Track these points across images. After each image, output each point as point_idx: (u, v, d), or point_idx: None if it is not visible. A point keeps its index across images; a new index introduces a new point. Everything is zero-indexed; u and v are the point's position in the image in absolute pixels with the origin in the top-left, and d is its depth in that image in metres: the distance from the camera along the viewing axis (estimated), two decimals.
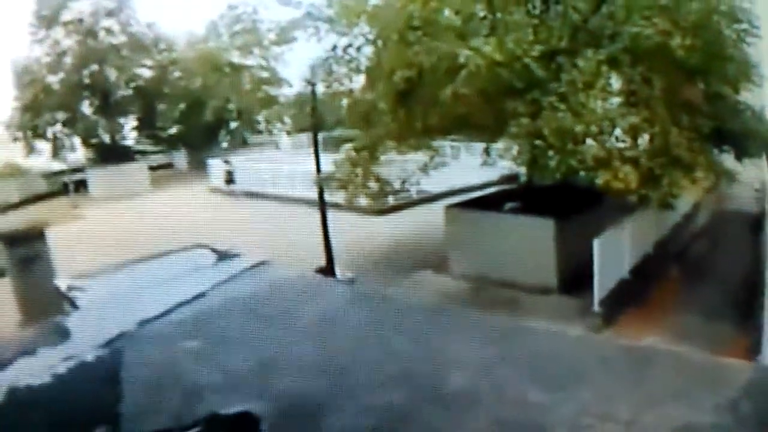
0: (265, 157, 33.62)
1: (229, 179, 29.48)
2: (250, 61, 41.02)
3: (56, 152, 37.26)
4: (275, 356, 2.62)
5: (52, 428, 2.21)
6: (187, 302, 3.24)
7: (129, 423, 2.19)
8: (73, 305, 4.53)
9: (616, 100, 11.01)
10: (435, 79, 11.38)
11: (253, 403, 2.20)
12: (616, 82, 11.05)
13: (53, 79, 35.56)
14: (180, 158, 42.76)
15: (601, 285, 10.99)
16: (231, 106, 40.77)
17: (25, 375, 2.51)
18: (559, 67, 10.86)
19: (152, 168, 37.69)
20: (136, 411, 2.27)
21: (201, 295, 3.34)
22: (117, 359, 2.66)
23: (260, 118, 42.03)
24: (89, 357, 2.67)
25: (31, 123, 35.31)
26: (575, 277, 11.64)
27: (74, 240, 17.50)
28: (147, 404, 2.31)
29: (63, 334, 2.99)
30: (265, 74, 41.01)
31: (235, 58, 40.66)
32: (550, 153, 10.55)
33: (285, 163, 28.71)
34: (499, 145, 13.38)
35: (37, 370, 2.54)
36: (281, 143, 42.78)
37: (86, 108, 37.43)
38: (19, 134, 35.61)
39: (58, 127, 36.76)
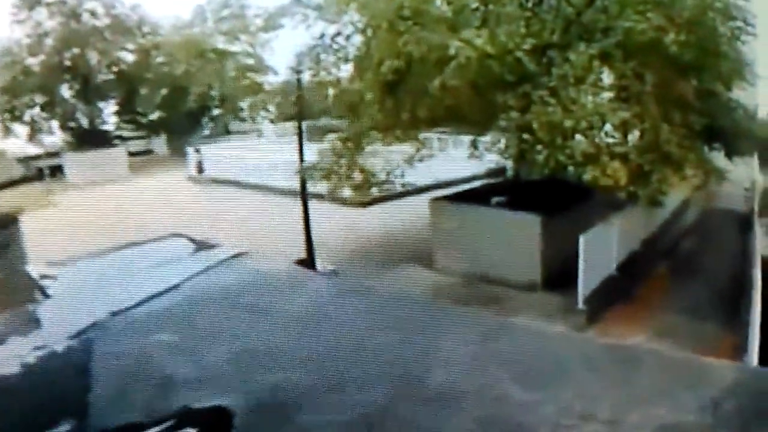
0: (247, 145, 33.30)
1: (199, 168, 29.12)
2: (235, 48, 40.67)
3: (33, 136, 36.74)
4: (251, 350, 2.45)
5: (19, 419, 2.06)
6: (162, 293, 3.07)
7: (98, 416, 2.04)
8: (45, 294, 4.40)
9: (607, 95, 10.92)
10: (424, 70, 11.25)
11: (227, 398, 2.04)
12: (607, 77, 10.97)
13: (33, 62, 35.02)
14: (160, 145, 42.33)
15: (586, 282, 10.88)
16: (214, 92, 40.39)
17: None
18: (550, 61, 10.77)
19: (132, 154, 37.24)
20: (107, 404, 2.11)
21: (176, 286, 3.17)
22: (88, 350, 2.51)
23: (244, 105, 41.68)
24: (59, 347, 2.54)
25: (8, 105, 34.75)
26: (561, 274, 11.48)
27: (48, 227, 17.09)
28: (118, 397, 2.16)
29: (33, 323, 2.85)
30: (250, 61, 40.71)
31: (221, 43, 40.29)
32: (539, 147, 10.49)
33: (267, 152, 28.38)
34: (487, 138, 13.27)
35: (5, 359, 2.39)
36: (264, 131, 42.47)
37: (66, 91, 36.91)
38: None
39: (37, 110, 36.21)
